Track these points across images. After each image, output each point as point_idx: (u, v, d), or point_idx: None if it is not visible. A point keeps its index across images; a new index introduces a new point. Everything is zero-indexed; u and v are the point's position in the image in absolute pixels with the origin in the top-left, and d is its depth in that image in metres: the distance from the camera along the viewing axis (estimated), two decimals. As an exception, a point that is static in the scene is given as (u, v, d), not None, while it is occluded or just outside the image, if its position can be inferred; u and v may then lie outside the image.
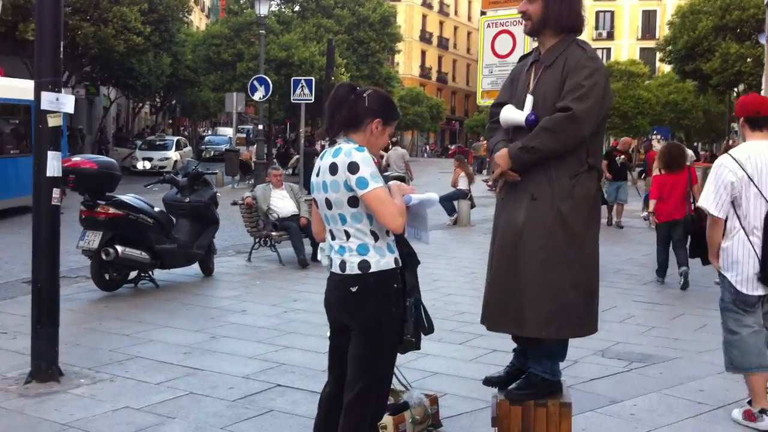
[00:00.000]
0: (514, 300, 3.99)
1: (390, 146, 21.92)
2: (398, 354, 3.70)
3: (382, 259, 3.49)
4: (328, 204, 3.52)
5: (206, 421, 4.98)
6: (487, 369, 5.12)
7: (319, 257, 3.85)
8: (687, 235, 9.39)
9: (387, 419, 4.41)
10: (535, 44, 4.30)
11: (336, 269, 3.55)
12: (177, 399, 5.37)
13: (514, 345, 4.36)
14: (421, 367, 6.05)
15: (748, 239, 4.87)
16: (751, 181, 4.81)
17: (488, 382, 4.43)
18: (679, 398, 5.50)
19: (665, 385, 5.81)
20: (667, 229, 10.12)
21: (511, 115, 4.05)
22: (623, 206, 16.75)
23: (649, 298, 9.24)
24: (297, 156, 26.71)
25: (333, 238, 3.58)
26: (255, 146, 27.99)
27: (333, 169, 3.46)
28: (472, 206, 17.38)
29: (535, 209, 3.94)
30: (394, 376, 4.08)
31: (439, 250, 12.96)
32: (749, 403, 5.04)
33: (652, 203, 10.26)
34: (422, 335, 3.78)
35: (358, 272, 3.46)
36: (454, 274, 10.72)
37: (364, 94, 3.57)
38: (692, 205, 9.60)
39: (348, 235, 3.51)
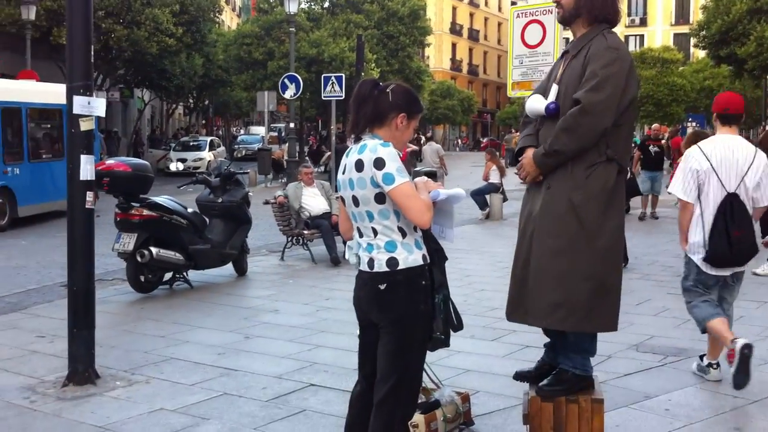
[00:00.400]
0: (524, 289, 4.01)
1: (424, 141, 22.13)
2: (428, 351, 3.71)
3: (410, 256, 3.50)
4: (355, 201, 3.53)
5: (240, 421, 5.02)
6: (519, 365, 5.09)
7: (346, 256, 3.87)
8: None
9: (418, 417, 4.41)
10: (567, 33, 4.28)
11: (364, 267, 3.56)
12: (211, 400, 5.42)
13: (546, 340, 4.35)
14: (453, 364, 6.04)
15: (702, 221, 5.40)
16: (714, 171, 5.34)
17: (518, 376, 4.44)
18: (715, 392, 5.44)
19: (700, 379, 5.74)
20: None
21: (534, 104, 4.06)
22: (658, 197, 16.39)
23: (684, 289, 9.11)
24: (329, 153, 26.76)
25: (361, 235, 3.60)
26: (287, 144, 28.12)
27: (359, 165, 3.47)
28: (504, 200, 17.29)
29: (548, 198, 3.95)
30: (424, 374, 4.08)
31: (471, 244, 12.93)
32: (701, 356, 5.83)
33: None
34: (451, 332, 3.78)
35: (387, 269, 3.47)
36: (486, 269, 10.69)
37: (388, 89, 3.59)
38: None
39: (375, 232, 3.52)
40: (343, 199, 3.66)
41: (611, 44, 3.92)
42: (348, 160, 3.58)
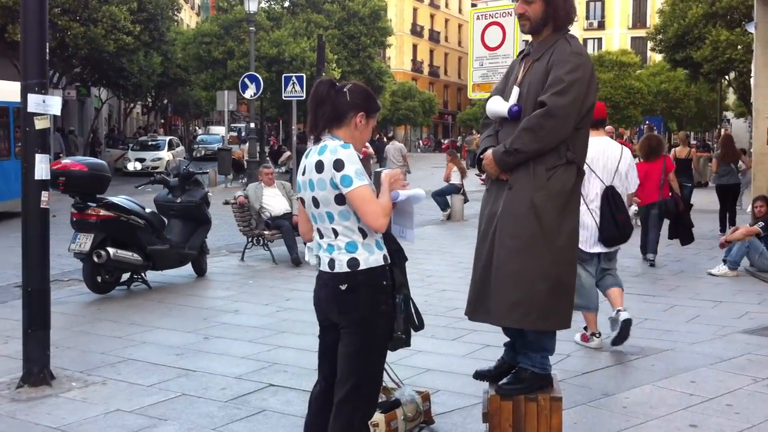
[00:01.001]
0: (485, 288, 4.05)
1: (387, 141, 22.44)
2: (389, 351, 3.70)
3: (371, 257, 3.50)
4: (315, 202, 3.52)
5: (198, 422, 4.97)
6: (480, 364, 5.10)
7: (306, 257, 3.85)
8: (662, 219, 11.05)
9: (378, 417, 4.41)
10: (526, 35, 4.33)
11: (325, 268, 3.55)
12: (169, 401, 5.36)
13: (506, 339, 4.38)
14: (414, 363, 6.05)
15: (588, 210, 6.31)
16: (591, 170, 6.23)
17: (478, 375, 4.46)
18: (671, 390, 5.51)
19: (657, 377, 5.82)
20: (647, 211, 11.03)
21: (495, 106, 4.11)
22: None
23: (641, 290, 9.25)
24: (288, 153, 26.66)
25: (321, 236, 3.58)
26: (248, 144, 27.95)
27: (319, 166, 3.46)
28: (465, 201, 17.39)
29: (510, 199, 3.99)
30: (385, 374, 4.08)
31: (432, 245, 12.98)
32: (585, 329, 6.72)
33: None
34: (412, 332, 3.78)
35: (348, 270, 3.46)
36: (447, 270, 10.72)
37: (345, 89, 3.59)
38: (670, 190, 10.87)
39: (336, 233, 3.51)
40: (302, 200, 3.65)
41: (575, 50, 3.99)
42: (308, 161, 3.56)
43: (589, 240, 6.41)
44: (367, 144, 21.26)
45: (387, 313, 3.55)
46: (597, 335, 6.67)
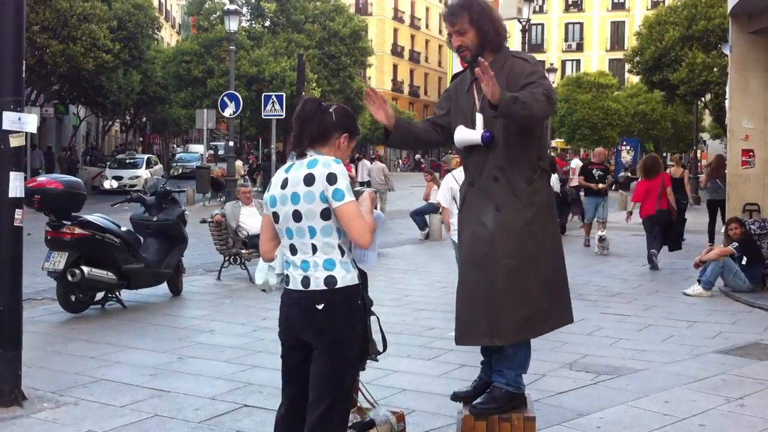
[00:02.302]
0: (488, 311, 4.09)
1: (372, 161, 23.14)
2: (361, 370, 3.71)
3: (348, 275, 3.50)
4: (297, 216, 3.49)
5: (171, 443, 4.93)
6: (456, 384, 5.12)
7: (257, 279, 3.75)
8: (662, 227, 12.47)
9: (353, 438, 4.38)
10: None
11: (296, 286, 3.51)
12: (142, 422, 5.30)
13: (482, 358, 4.40)
14: (390, 383, 6.04)
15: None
16: (458, 182, 6.71)
17: (456, 397, 4.48)
18: (645, 410, 5.52)
19: (632, 397, 5.83)
20: (649, 223, 12.48)
21: (464, 135, 4.19)
22: (605, 224, 14.93)
23: (617, 309, 9.29)
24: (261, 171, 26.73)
25: (294, 252, 3.54)
26: (226, 163, 27.88)
27: (309, 179, 3.46)
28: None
29: (501, 220, 4.08)
30: (360, 394, 4.08)
31: (410, 264, 12.98)
32: None
33: (632, 204, 13.44)
34: (383, 353, 3.80)
35: (324, 288, 3.45)
36: (425, 289, 10.73)
37: (331, 110, 3.64)
38: (667, 202, 12.37)
39: (315, 249, 3.49)
40: (275, 215, 3.58)
41: (530, 60, 4.22)
42: (292, 174, 3.53)
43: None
44: (351, 165, 21.63)
45: (361, 334, 3.56)
46: None
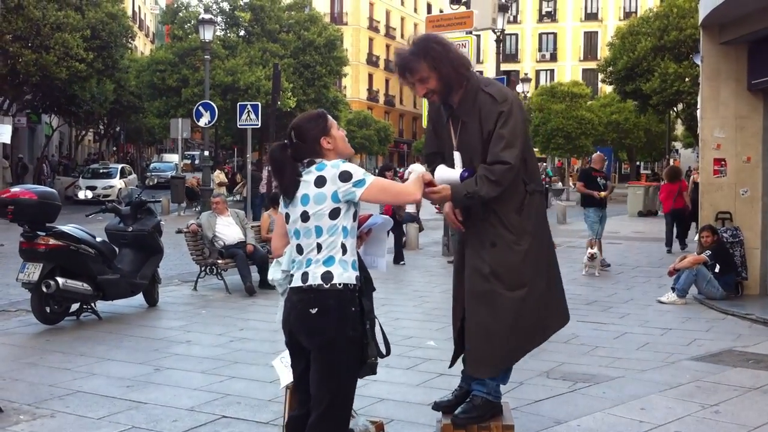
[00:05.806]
0: (498, 339, 4.23)
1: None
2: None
3: (345, 273, 3.56)
4: (305, 217, 3.57)
5: (149, 455, 4.89)
6: (434, 393, 5.14)
7: (270, 275, 3.88)
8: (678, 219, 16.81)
9: (332, 448, 4.38)
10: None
11: (297, 283, 3.59)
12: (119, 434, 5.27)
13: (462, 368, 4.45)
14: (369, 393, 6.03)
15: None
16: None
17: (437, 407, 4.52)
18: (621, 417, 5.57)
19: (608, 404, 5.88)
20: (670, 217, 16.81)
21: (445, 174, 4.23)
22: (599, 241, 13.61)
23: (593, 317, 9.36)
24: (244, 181, 26.53)
25: (300, 252, 3.63)
26: (201, 173, 27.75)
27: (320, 181, 3.55)
28: (420, 229, 17.45)
29: (498, 255, 4.19)
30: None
31: (388, 273, 12.92)
32: None
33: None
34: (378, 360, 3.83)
35: (320, 282, 3.52)
36: (402, 298, 10.74)
37: (293, 139, 3.68)
38: (683, 201, 16.61)
39: (320, 248, 3.57)
40: (287, 216, 3.68)
41: (498, 98, 4.12)
42: (304, 179, 3.62)
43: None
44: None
45: (354, 340, 3.61)
46: None
